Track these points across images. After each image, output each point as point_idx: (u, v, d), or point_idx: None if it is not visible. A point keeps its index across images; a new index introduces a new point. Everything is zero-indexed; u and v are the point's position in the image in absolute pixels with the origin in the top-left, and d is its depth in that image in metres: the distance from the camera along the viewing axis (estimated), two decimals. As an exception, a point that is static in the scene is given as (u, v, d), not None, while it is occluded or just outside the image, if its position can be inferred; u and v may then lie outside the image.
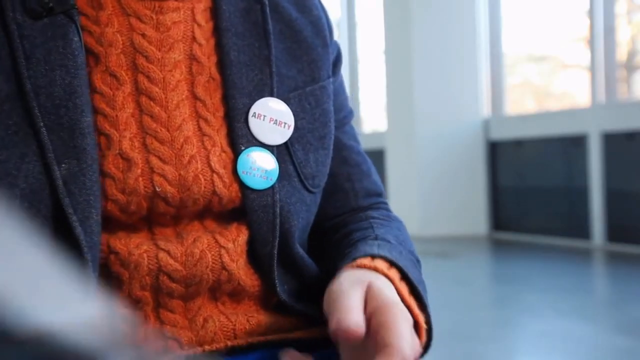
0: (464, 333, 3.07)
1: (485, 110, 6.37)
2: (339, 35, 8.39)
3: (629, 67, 5.58)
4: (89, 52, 0.63)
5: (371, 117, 8.23)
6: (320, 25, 0.77)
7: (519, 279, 4.36)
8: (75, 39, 0.62)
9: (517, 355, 2.97)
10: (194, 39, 0.68)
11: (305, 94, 0.73)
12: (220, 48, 0.69)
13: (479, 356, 2.86)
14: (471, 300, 3.64)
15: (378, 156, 6.82)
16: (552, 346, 2.91)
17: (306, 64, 0.74)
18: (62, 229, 0.60)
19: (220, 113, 0.68)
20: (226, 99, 0.68)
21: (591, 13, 5.32)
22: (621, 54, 5.42)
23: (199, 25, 0.68)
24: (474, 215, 6.25)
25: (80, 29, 0.62)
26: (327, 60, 0.76)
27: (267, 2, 0.72)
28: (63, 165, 0.59)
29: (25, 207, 0.58)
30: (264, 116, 0.69)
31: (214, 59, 0.68)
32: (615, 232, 5.12)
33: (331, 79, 0.77)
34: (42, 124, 0.59)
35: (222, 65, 0.68)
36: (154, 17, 0.66)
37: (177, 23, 0.67)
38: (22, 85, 0.59)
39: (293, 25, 0.74)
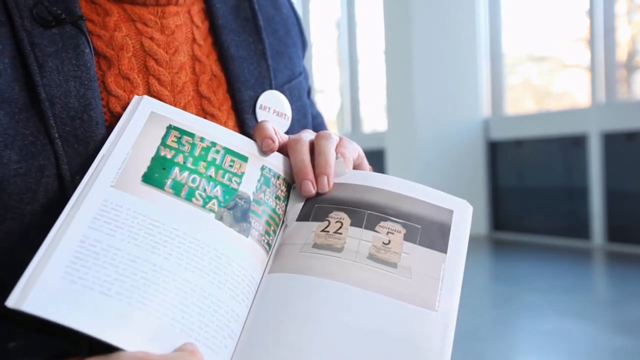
0: (464, 333, 3.07)
1: (485, 110, 6.37)
2: (339, 35, 8.39)
3: (629, 67, 5.58)
4: (100, 55, 0.64)
5: (371, 117, 8.23)
6: (289, 24, 0.80)
7: (519, 279, 4.36)
8: (87, 50, 0.62)
9: (517, 355, 2.98)
10: (194, 40, 0.70)
11: (291, 87, 0.77)
12: (218, 45, 0.71)
13: (479, 356, 2.86)
14: (471, 300, 3.64)
15: (378, 156, 6.82)
16: (552, 346, 2.91)
17: (287, 59, 0.78)
18: None
19: (226, 106, 0.70)
20: (231, 92, 0.70)
21: (591, 13, 5.32)
22: (621, 54, 5.42)
23: (197, 26, 0.71)
24: (474, 215, 6.15)
25: (90, 41, 0.63)
26: (297, 57, 0.80)
27: None
28: (77, 177, 0.59)
29: (46, 225, 0.55)
30: (269, 108, 0.72)
31: (213, 56, 0.71)
32: (615, 232, 5.12)
33: (302, 75, 0.81)
34: (57, 134, 0.59)
35: (223, 61, 0.71)
36: (158, 21, 0.67)
37: (180, 26, 0.69)
38: (37, 94, 0.59)
39: (271, 22, 0.78)
